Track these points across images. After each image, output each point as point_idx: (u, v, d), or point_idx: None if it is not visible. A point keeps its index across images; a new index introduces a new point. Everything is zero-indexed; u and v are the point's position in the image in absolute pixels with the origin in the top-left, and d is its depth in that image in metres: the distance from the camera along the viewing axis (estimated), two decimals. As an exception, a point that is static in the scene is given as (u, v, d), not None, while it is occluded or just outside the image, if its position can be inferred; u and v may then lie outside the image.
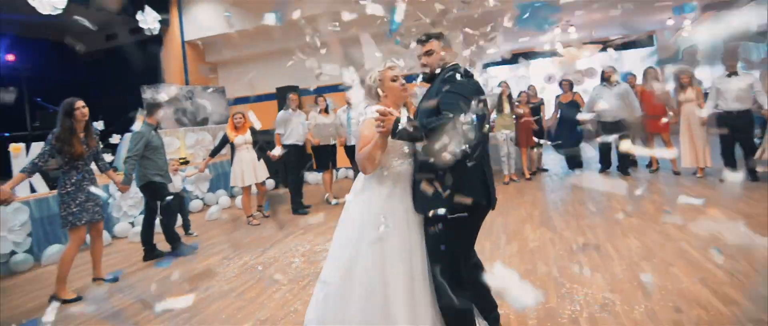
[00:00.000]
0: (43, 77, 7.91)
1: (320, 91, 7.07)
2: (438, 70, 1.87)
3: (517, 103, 6.11)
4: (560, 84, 6.38)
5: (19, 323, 2.88)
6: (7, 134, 6.43)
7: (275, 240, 4.33)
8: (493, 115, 6.23)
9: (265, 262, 3.65)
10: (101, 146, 3.81)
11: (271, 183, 7.26)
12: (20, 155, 4.26)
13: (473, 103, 1.61)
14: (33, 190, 4.46)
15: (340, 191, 6.85)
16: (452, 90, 1.65)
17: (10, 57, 7.63)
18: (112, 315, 2.91)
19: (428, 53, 1.87)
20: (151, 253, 4.12)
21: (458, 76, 1.72)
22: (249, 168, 5.22)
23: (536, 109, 6.34)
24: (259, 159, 5.30)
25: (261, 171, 5.30)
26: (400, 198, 1.81)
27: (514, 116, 5.97)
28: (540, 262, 3.00)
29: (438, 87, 1.73)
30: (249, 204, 5.40)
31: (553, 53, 9.25)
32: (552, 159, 7.68)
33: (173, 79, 7.64)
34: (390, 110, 1.62)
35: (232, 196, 6.77)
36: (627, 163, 5.72)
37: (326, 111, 5.74)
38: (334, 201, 5.84)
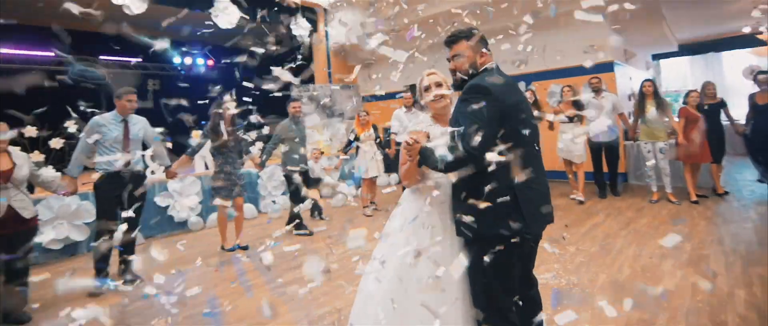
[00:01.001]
0: (231, 78, 9.96)
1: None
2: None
3: (683, 105, 4.87)
4: (755, 79, 4.81)
5: (178, 269, 3.73)
6: (203, 122, 8.35)
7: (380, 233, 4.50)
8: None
9: (361, 254, 3.83)
10: (248, 137, 4.56)
11: (386, 179, 7.56)
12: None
13: (491, 123, 1.42)
14: (206, 167, 5.66)
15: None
16: (468, 111, 1.45)
17: (210, 62, 9.82)
18: (239, 275, 3.53)
19: (456, 57, 1.64)
20: (291, 222, 4.76)
21: (482, 89, 1.47)
22: (370, 163, 5.59)
23: (715, 112, 4.93)
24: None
25: (380, 167, 5.62)
26: (438, 212, 1.70)
27: (666, 120, 4.77)
28: (664, 312, 2.36)
29: (458, 103, 1.54)
30: (366, 196, 5.77)
31: (755, 40, 7.03)
32: (740, 178, 5.91)
33: (320, 78, 8.64)
34: (416, 138, 1.56)
35: (358, 186, 7.30)
36: None
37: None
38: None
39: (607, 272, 3.00)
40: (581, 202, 5.18)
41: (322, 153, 7.45)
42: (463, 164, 1.45)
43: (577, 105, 5.29)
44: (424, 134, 1.74)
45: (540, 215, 1.54)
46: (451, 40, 1.67)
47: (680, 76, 9.94)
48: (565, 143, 5.27)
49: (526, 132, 1.51)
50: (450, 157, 1.45)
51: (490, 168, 1.41)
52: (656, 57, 9.62)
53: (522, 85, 6.92)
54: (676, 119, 4.98)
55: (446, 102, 1.81)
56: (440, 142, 1.54)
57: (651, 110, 4.82)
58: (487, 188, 1.44)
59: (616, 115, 5.33)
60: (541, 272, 3.06)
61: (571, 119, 5.25)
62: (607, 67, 6.30)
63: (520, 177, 1.44)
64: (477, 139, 1.39)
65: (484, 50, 1.65)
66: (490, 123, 1.43)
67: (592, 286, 2.78)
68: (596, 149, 5.44)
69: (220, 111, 3.97)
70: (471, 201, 1.47)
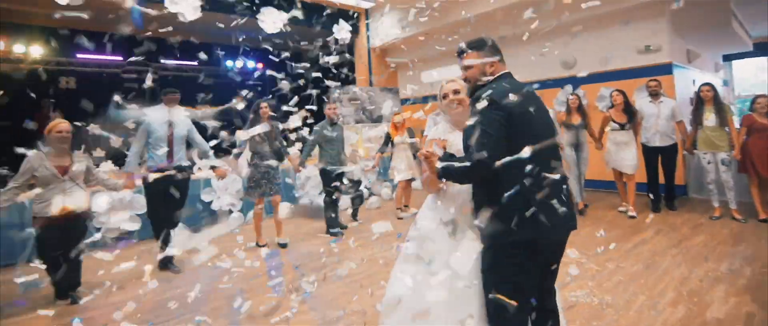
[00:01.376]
0: (273, 82, 10.37)
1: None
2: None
3: (749, 112, 4.36)
4: None
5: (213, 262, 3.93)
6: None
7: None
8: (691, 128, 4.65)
9: (388, 257, 3.83)
10: (284, 139, 4.71)
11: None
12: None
13: (497, 131, 1.44)
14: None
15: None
16: (474, 121, 1.48)
17: (260, 65, 10.30)
18: (273, 269, 3.68)
19: (466, 67, 1.67)
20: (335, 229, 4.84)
21: (486, 98, 1.49)
22: (404, 166, 5.58)
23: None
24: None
25: (415, 170, 5.59)
26: (456, 217, 1.74)
27: (726, 129, 4.28)
28: (707, 344, 2.12)
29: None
30: (400, 199, 5.77)
31: None
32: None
33: (361, 81, 8.75)
34: (433, 152, 1.60)
35: (394, 189, 7.30)
36: None
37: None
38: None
39: (648, 294, 2.76)
40: (632, 217, 4.79)
41: (362, 154, 7.56)
42: (475, 172, 1.47)
43: (629, 110, 4.92)
44: (443, 141, 1.78)
45: (557, 221, 1.50)
46: (462, 51, 1.70)
47: (757, 79, 8.92)
48: (615, 151, 4.93)
49: (538, 137, 1.50)
50: (457, 166, 1.49)
51: (504, 174, 1.44)
52: (728, 58, 8.69)
53: (568, 89, 6.57)
54: (738, 128, 4.47)
55: (462, 109, 1.82)
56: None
57: (710, 117, 4.36)
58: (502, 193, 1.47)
59: (675, 123, 4.88)
60: (573, 289, 2.89)
61: (622, 126, 4.87)
62: (665, 68, 5.79)
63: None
64: (483, 146, 1.42)
65: (494, 59, 1.66)
66: (495, 130, 1.44)
67: (628, 308, 2.57)
68: (652, 156, 5.01)
69: (258, 112, 4.16)
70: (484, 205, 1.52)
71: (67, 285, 2.97)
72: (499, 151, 1.43)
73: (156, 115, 3.71)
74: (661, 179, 5.08)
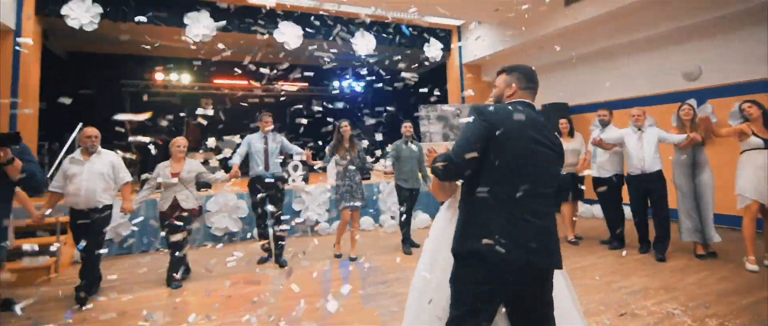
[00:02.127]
0: (372, 100, 11.03)
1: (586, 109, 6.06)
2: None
3: None
4: None
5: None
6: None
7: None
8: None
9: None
10: (364, 154, 5.02)
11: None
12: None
13: (472, 136, 1.51)
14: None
15: (587, 230, 5.84)
16: (462, 130, 1.61)
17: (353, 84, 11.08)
18: (342, 277, 3.96)
19: (493, 86, 1.80)
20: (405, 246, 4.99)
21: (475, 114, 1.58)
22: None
23: None
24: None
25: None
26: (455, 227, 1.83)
27: None
28: None
29: None
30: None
31: None
32: None
33: (453, 99, 8.72)
34: (433, 149, 1.73)
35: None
36: None
37: (570, 134, 5.03)
38: (571, 239, 5.05)
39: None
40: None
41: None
42: (445, 170, 1.53)
43: None
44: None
45: (516, 247, 1.45)
46: (498, 72, 1.80)
47: None
48: (754, 176, 3.83)
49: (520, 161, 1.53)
50: (438, 164, 1.58)
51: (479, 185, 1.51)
52: None
53: (692, 103, 5.56)
54: None
55: None
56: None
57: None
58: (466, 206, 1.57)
59: None
60: (649, 343, 2.48)
61: (766, 143, 3.85)
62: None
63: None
64: (456, 147, 1.53)
65: (515, 85, 1.68)
66: (471, 135, 1.52)
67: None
68: None
69: (340, 130, 4.54)
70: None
71: (173, 271, 3.67)
72: (466, 152, 1.48)
73: (255, 132, 4.45)
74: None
